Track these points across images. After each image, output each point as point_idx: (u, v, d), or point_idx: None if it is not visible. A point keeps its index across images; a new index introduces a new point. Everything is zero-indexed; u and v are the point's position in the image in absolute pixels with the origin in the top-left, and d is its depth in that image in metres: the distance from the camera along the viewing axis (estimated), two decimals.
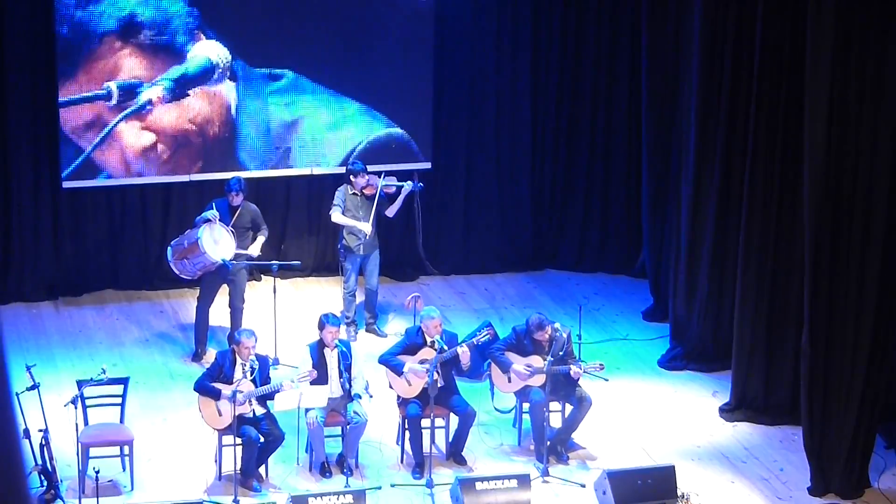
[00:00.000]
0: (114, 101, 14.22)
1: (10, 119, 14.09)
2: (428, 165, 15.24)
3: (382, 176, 13.64)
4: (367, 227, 13.47)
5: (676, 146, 13.69)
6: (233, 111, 14.66)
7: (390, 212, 13.76)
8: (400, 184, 13.74)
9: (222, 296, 13.37)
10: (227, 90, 14.60)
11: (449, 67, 15.30)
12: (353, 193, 13.56)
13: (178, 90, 14.39)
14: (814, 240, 11.01)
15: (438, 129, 15.37)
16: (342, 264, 13.81)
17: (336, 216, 13.56)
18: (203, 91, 14.50)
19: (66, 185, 14.32)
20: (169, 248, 13.21)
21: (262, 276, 14.94)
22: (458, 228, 15.75)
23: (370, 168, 13.82)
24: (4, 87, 13.99)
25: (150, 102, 14.32)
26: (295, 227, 15.36)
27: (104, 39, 14.11)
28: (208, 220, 12.89)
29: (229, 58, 14.49)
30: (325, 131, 14.98)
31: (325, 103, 14.93)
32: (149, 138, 14.43)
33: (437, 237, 15.65)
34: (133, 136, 14.38)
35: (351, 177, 13.57)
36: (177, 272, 13.20)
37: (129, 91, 14.26)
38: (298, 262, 14.37)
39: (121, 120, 14.27)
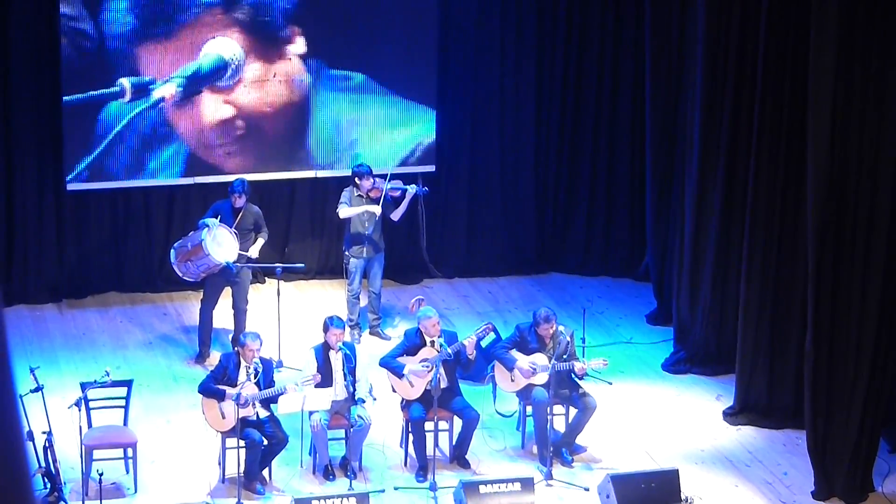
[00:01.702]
0: (126, 99, 14.25)
1: (14, 121, 14.09)
2: (432, 169, 15.25)
3: (388, 179, 13.64)
4: (376, 209, 13.46)
5: (680, 150, 13.69)
6: (306, 108, 14.84)
7: (395, 215, 13.76)
8: (405, 187, 13.74)
9: (226, 298, 13.37)
10: (303, 87, 14.73)
11: (452, 70, 15.30)
12: (359, 195, 13.56)
13: (191, 87, 14.44)
14: (817, 243, 11.00)
15: (442, 132, 15.36)
16: (346, 267, 13.81)
17: (343, 211, 13.56)
18: (283, 83, 14.66)
19: (70, 187, 14.33)
20: (172, 250, 13.21)
21: (265, 278, 14.97)
22: (462, 231, 15.75)
23: (375, 170, 13.83)
24: (9, 89, 14.00)
25: (162, 100, 14.35)
26: (299, 229, 15.36)
27: (210, 7, 14.28)
28: (209, 226, 12.91)
29: (243, 56, 14.52)
30: (383, 132, 15.11)
31: (389, 105, 15.08)
32: (229, 111, 14.61)
33: (440, 240, 15.64)
34: (214, 108, 14.56)
35: (356, 179, 13.57)
36: (180, 275, 13.20)
37: (142, 88, 14.28)
38: (302, 265, 14.39)
39: (131, 118, 14.29)
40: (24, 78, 14.03)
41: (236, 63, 14.52)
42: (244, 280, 13.27)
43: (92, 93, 14.16)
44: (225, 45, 14.48)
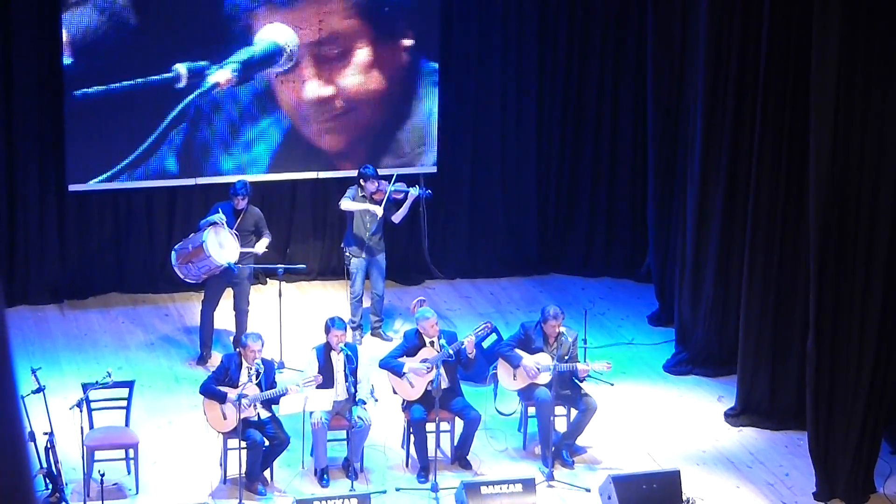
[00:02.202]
0: (183, 84, 14.27)
1: (16, 121, 14.09)
2: (434, 170, 15.26)
3: (393, 181, 13.64)
4: (378, 209, 13.47)
5: (682, 151, 13.69)
6: (405, 99, 15.11)
7: (396, 218, 13.75)
8: (407, 189, 13.74)
9: (227, 299, 13.37)
10: (405, 78, 15.01)
11: (454, 70, 15.30)
12: (363, 196, 13.57)
13: (246, 73, 14.49)
14: (819, 244, 11.00)
15: (444, 133, 15.37)
16: (347, 268, 13.82)
17: (345, 203, 13.57)
18: (386, 72, 14.92)
19: (72, 188, 14.32)
20: (173, 251, 13.19)
21: (267, 279, 14.97)
22: (464, 233, 15.75)
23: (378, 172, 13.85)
24: (11, 89, 13.99)
25: (217, 85, 14.39)
26: (300, 230, 15.36)
27: None
28: (213, 224, 12.88)
29: (297, 42, 14.57)
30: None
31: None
32: (330, 90, 14.87)
33: (442, 241, 15.64)
34: (316, 86, 14.77)
35: (361, 181, 13.58)
36: (181, 276, 13.19)
37: (198, 74, 14.32)
38: (304, 266, 14.39)
39: (186, 104, 14.32)
40: (26, 77, 14.01)
41: (290, 49, 14.57)
42: (245, 281, 13.26)
43: (151, 78, 14.21)
44: (280, 31, 14.52)
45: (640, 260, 15.71)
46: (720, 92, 12.62)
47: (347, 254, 13.77)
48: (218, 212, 13.04)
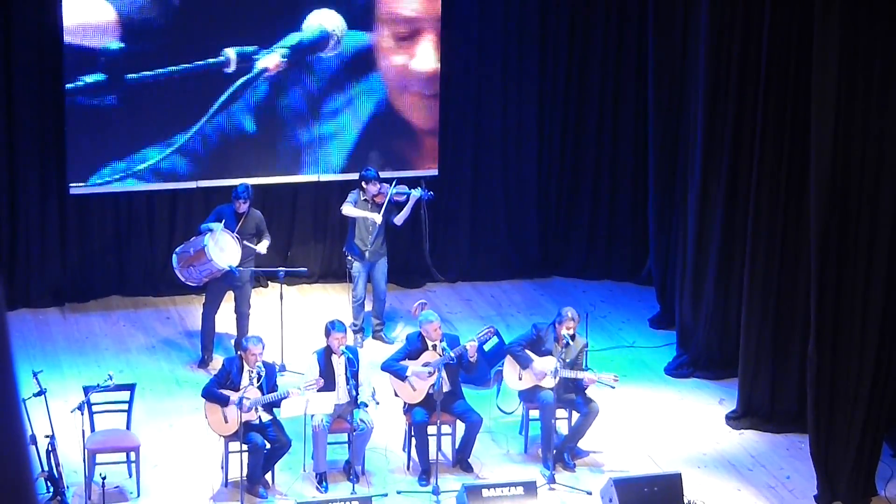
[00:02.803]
0: (232, 68, 14.29)
1: (17, 123, 14.08)
2: (435, 172, 15.26)
3: (394, 184, 13.65)
4: (377, 217, 13.48)
5: (683, 154, 13.69)
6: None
7: (398, 220, 13.75)
8: (409, 191, 13.75)
9: (228, 302, 13.37)
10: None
11: (455, 73, 15.30)
12: (364, 200, 13.58)
13: (294, 58, 14.50)
14: (820, 246, 10.99)
15: (445, 136, 15.37)
16: (349, 271, 13.82)
17: (346, 208, 13.59)
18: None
19: (73, 190, 14.32)
20: (174, 255, 13.20)
21: (268, 282, 14.97)
22: (465, 235, 15.75)
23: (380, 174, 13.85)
24: (12, 90, 13.99)
25: (266, 70, 14.40)
26: (302, 233, 15.37)
27: None
28: (212, 231, 12.89)
29: (344, 28, 14.58)
30: None
31: None
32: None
33: (443, 244, 15.64)
34: (426, 57, 14.91)
35: (363, 183, 13.59)
36: (182, 279, 13.20)
37: (246, 58, 14.33)
38: (305, 269, 14.40)
39: (235, 89, 14.35)
40: (28, 78, 14.01)
41: (338, 35, 14.58)
42: (246, 284, 13.26)
43: (198, 63, 14.24)
44: (327, 16, 14.53)
45: (642, 263, 15.71)
46: (721, 93, 12.62)
47: (349, 257, 13.77)
48: (216, 218, 13.03)
